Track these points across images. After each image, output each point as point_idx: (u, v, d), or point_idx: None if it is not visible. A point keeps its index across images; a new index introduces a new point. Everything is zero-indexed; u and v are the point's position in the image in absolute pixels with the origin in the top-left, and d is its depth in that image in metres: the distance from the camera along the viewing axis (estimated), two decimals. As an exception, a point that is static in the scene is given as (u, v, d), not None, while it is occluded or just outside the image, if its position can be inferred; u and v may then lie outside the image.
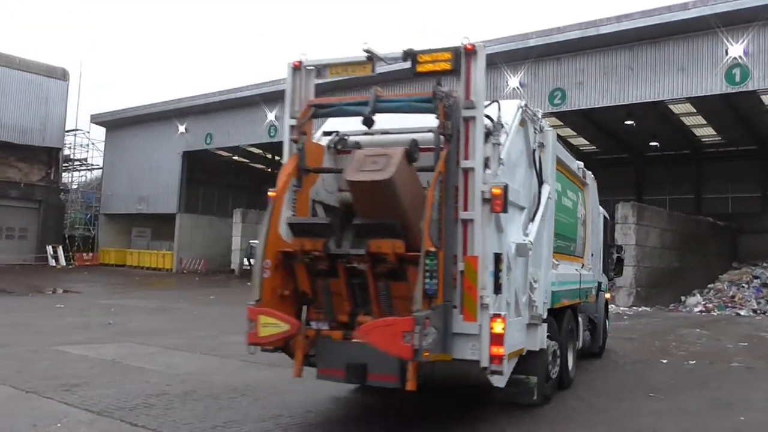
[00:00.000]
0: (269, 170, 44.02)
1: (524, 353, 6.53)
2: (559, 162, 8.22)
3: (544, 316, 6.96)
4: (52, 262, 39.11)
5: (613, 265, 12.89)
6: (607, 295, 13.00)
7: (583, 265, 9.94)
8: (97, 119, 44.34)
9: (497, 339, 5.55)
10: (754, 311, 22.31)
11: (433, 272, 5.21)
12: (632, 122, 29.24)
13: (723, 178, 34.75)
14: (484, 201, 5.63)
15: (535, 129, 7.26)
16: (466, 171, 5.67)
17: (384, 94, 6.09)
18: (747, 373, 10.40)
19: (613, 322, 15.48)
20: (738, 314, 21.82)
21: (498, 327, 5.56)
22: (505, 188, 5.67)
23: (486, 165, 5.78)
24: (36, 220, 41.73)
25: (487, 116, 5.92)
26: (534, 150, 7.23)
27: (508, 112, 6.49)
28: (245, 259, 34.50)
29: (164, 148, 39.48)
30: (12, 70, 40.17)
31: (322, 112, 6.46)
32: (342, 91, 18.91)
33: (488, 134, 5.91)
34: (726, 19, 20.21)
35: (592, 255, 10.54)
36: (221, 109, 36.12)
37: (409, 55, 5.84)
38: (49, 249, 39.61)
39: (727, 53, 20.57)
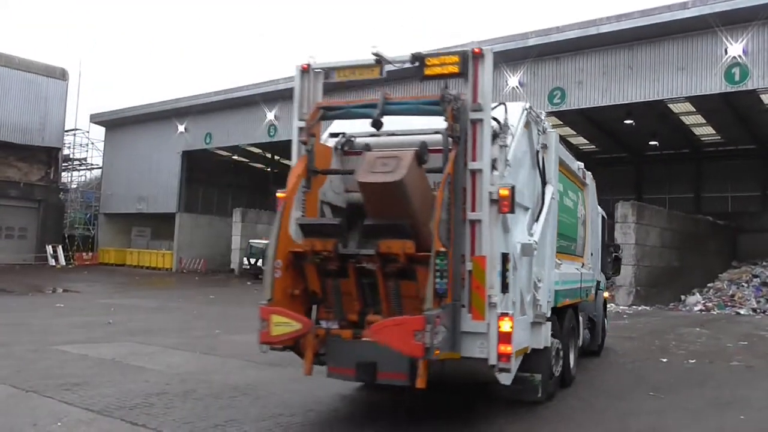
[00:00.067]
0: (269, 170, 44.16)
1: (529, 351, 6.65)
2: (561, 163, 8.32)
3: (548, 315, 7.06)
4: (52, 262, 39.08)
5: (611, 264, 13.02)
6: (606, 294, 13.11)
7: (583, 264, 10.03)
8: (96, 119, 44.31)
9: (505, 337, 5.65)
10: (754, 310, 22.35)
11: (443, 272, 5.29)
12: (632, 121, 29.24)
13: (722, 177, 34.78)
14: (492, 202, 5.71)
15: (538, 130, 7.35)
16: (474, 172, 5.75)
17: (392, 97, 6.17)
18: (747, 372, 10.46)
19: (612, 321, 15.59)
20: (738, 313, 21.87)
21: (506, 325, 5.66)
22: (513, 189, 5.75)
23: (493, 166, 5.86)
24: (36, 219, 41.69)
25: (494, 118, 6.00)
26: (538, 151, 7.33)
27: (514, 114, 6.57)
28: (245, 259, 34.42)
29: (164, 148, 39.45)
30: (11, 70, 40.12)
31: (330, 114, 6.52)
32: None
33: (495, 136, 5.99)
34: (725, 18, 20.24)
35: (591, 254, 10.65)
36: (221, 109, 36.11)
37: (417, 58, 5.91)
38: (49, 248, 39.59)
39: (726, 52, 20.60)
